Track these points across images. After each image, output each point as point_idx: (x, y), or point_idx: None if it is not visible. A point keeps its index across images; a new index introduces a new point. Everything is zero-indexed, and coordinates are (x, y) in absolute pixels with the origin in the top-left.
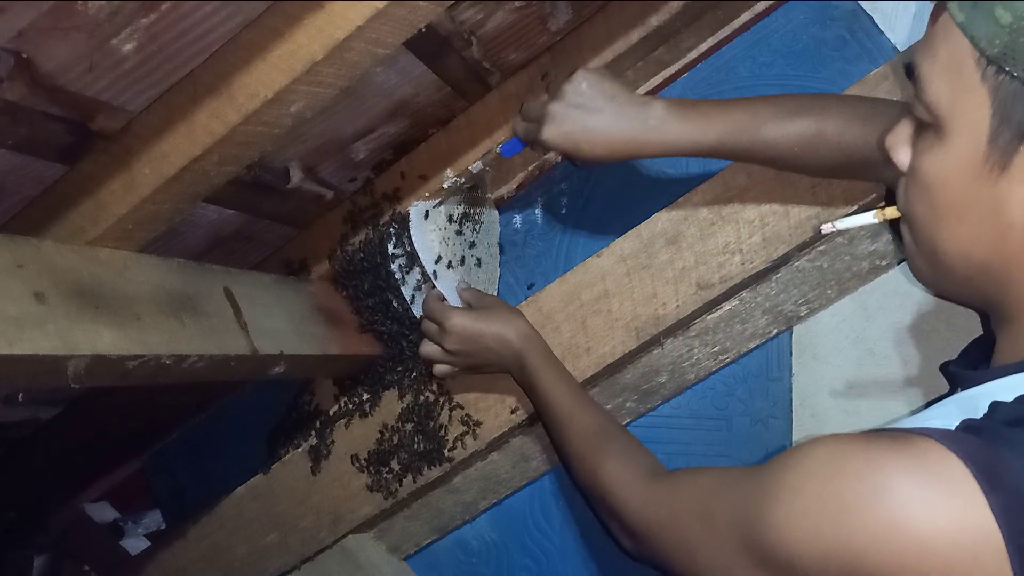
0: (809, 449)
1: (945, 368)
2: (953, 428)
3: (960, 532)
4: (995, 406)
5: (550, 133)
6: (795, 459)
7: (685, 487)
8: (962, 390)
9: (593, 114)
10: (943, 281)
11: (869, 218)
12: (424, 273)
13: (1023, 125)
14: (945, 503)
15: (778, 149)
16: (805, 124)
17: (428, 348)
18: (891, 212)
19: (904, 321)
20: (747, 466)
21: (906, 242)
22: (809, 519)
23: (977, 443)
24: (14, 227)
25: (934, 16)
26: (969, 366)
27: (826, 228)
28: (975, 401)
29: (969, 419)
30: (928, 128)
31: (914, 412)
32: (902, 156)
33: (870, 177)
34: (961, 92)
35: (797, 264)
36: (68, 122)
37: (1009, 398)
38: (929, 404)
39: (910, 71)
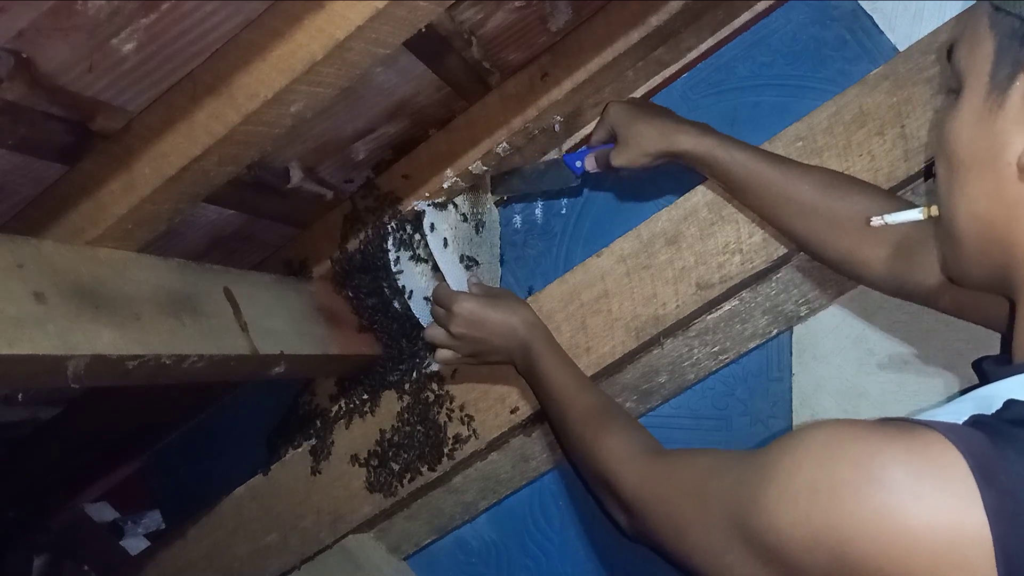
0: (809, 432)
1: (979, 364)
2: (961, 423)
3: (951, 528)
4: (1009, 404)
5: (615, 106)
6: (794, 441)
7: (683, 465)
8: (983, 386)
9: (653, 107)
10: (962, 260)
11: (916, 214)
12: (427, 272)
13: (1017, 58)
14: (939, 497)
15: (787, 190)
16: (819, 181)
17: (433, 331)
18: (935, 210)
19: (904, 321)
20: (746, 449)
21: (937, 237)
22: (801, 502)
23: (981, 439)
24: (14, 227)
25: None
26: (1004, 362)
27: (875, 221)
28: (991, 398)
29: (979, 415)
30: (954, 97)
31: (942, 402)
32: None
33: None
34: (975, 46)
35: (797, 264)
36: (68, 122)
37: None
38: (950, 399)
39: (951, 52)
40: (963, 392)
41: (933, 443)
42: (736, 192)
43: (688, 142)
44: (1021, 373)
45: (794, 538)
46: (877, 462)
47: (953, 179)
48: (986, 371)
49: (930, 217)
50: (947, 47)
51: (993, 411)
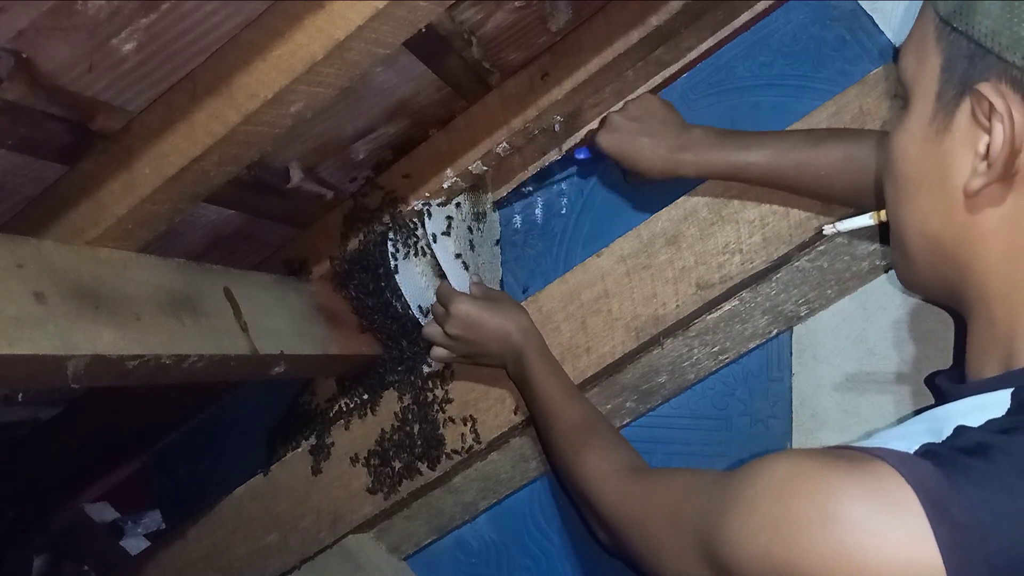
0: (768, 464)
1: (931, 380)
2: (912, 452)
3: (906, 565)
4: (960, 431)
5: (605, 139)
6: (754, 474)
7: (660, 486)
8: (936, 406)
9: (645, 131)
10: (914, 273)
11: (867, 219)
12: (427, 272)
13: (964, 79)
14: (893, 533)
15: (807, 171)
16: (835, 148)
17: (430, 329)
18: (884, 214)
19: (904, 321)
20: (721, 471)
21: (891, 243)
22: (761, 538)
23: (931, 471)
24: (14, 227)
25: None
26: (956, 378)
27: (828, 229)
28: (943, 421)
29: (930, 443)
30: (902, 105)
31: (896, 423)
32: None
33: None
34: (922, 58)
35: (797, 264)
36: (68, 122)
37: (978, 421)
38: (902, 420)
39: (896, 55)
40: (916, 413)
41: (884, 476)
42: (772, 186)
43: (694, 169)
44: (971, 395)
45: (755, 572)
46: (833, 499)
47: (901, 195)
48: (940, 388)
49: (880, 222)
50: (893, 51)
51: (944, 437)
